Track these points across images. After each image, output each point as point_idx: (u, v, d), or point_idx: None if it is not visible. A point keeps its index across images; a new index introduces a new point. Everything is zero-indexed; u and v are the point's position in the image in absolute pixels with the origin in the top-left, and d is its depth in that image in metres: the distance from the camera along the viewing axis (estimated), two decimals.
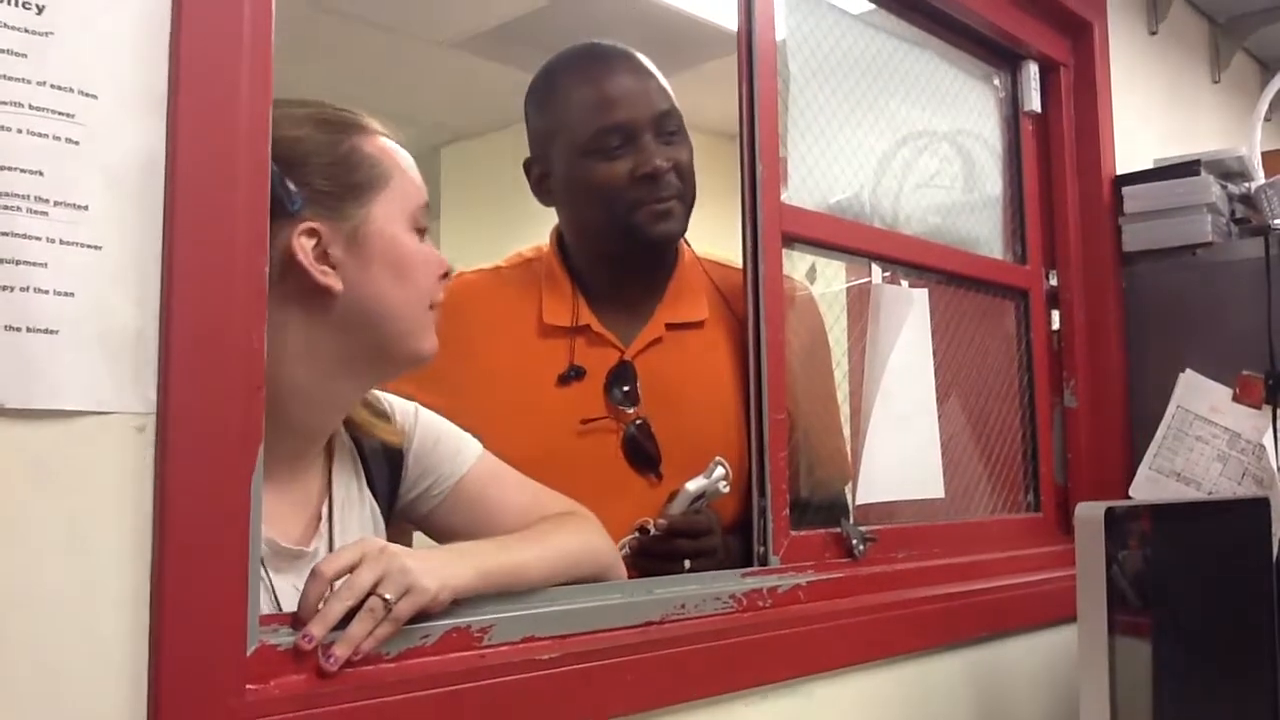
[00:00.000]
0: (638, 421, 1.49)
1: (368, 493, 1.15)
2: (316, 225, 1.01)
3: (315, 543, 1.07)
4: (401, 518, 1.21)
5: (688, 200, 1.52)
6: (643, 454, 1.48)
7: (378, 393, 1.20)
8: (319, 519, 1.09)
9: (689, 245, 1.59)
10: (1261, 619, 1.58)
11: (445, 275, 1.11)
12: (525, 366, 1.52)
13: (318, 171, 1.02)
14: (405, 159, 1.10)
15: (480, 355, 1.52)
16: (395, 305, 1.06)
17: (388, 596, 0.92)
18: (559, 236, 1.60)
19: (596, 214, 1.51)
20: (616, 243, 1.52)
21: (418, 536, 1.28)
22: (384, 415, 1.17)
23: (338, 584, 0.92)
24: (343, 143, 1.05)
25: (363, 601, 0.91)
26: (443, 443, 1.21)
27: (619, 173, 1.47)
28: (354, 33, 3.90)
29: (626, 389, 1.50)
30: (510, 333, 1.54)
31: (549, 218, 1.62)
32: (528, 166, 1.58)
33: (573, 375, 1.50)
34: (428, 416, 1.22)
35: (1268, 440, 1.88)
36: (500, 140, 4.83)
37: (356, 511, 1.13)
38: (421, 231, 1.09)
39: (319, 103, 1.09)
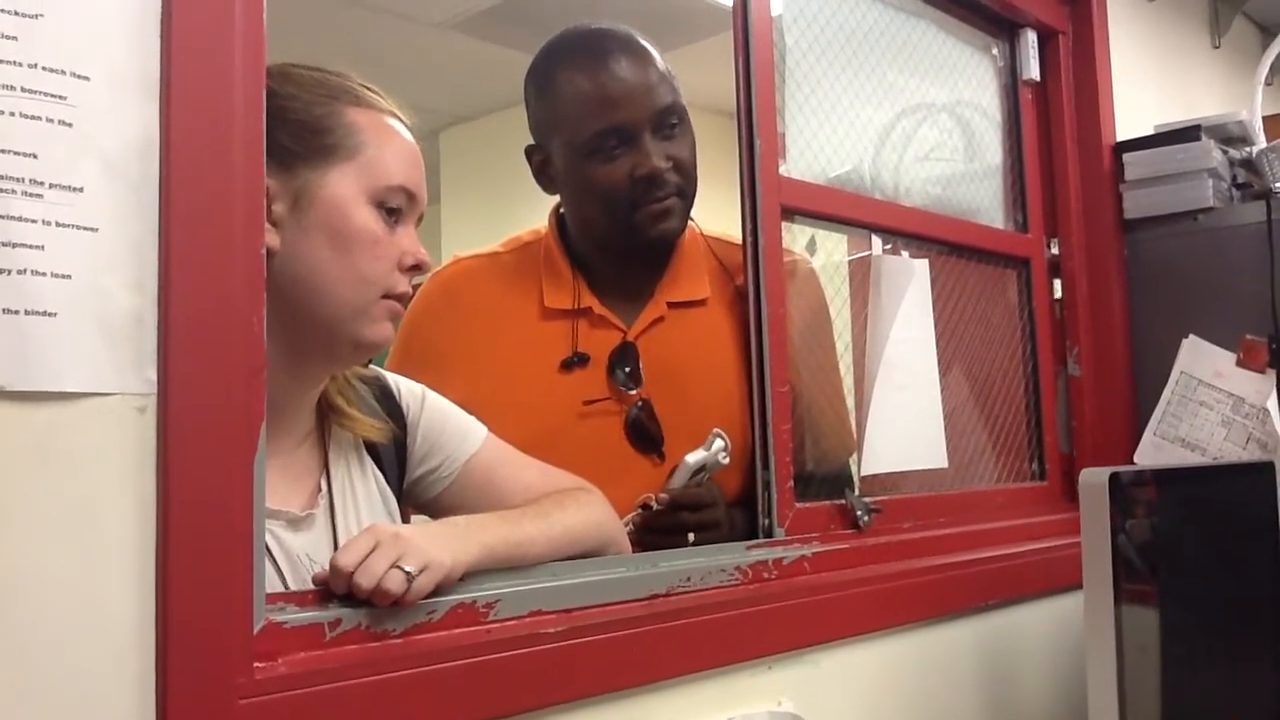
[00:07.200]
0: (640, 402, 1.49)
1: (374, 470, 1.15)
2: (267, 180, 0.96)
3: (317, 509, 1.08)
4: (408, 502, 1.22)
5: (688, 195, 1.52)
6: (645, 435, 1.49)
7: (384, 374, 1.21)
8: (318, 491, 1.09)
9: (693, 222, 1.59)
10: (1266, 583, 1.58)
11: (415, 268, 1.07)
12: (527, 350, 1.52)
13: (287, 128, 1.01)
14: (395, 139, 1.08)
15: (481, 340, 1.52)
16: (331, 279, 1.02)
17: (408, 569, 0.92)
18: (559, 218, 1.60)
19: (597, 212, 1.51)
20: (617, 238, 1.52)
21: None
22: (372, 411, 1.15)
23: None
24: (323, 106, 1.05)
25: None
26: (450, 424, 1.22)
27: (618, 174, 1.46)
28: (349, 15, 3.90)
29: (629, 370, 1.50)
30: (511, 317, 1.54)
31: (549, 200, 1.61)
32: (529, 153, 1.57)
33: (576, 361, 1.50)
34: (435, 398, 1.23)
35: (1272, 404, 1.88)
36: (498, 122, 4.83)
37: (361, 487, 1.13)
38: (392, 213, 1.05)
39: (325, 70, 1.08)
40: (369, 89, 1.09)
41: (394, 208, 1.06)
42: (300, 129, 1.02)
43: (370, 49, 4.05)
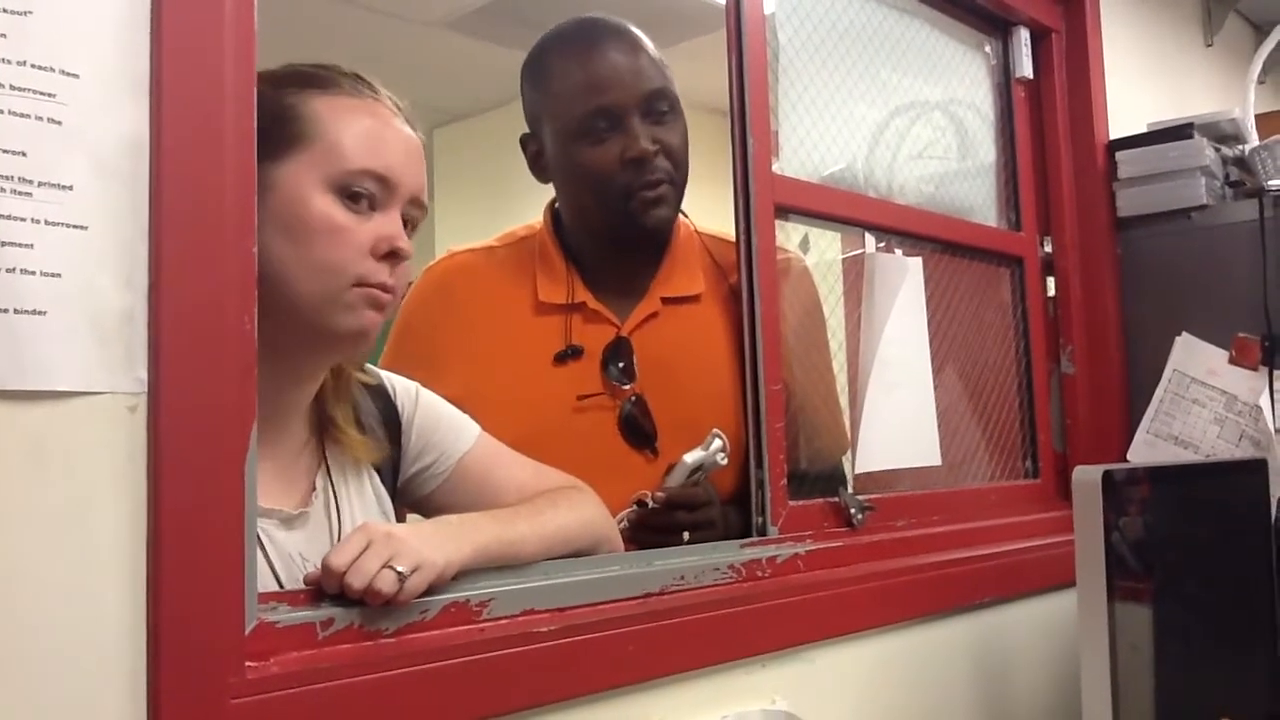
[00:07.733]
0: (633, 398, 1.49)
1: (368, 469, 1.15)
2: None
3: (311, 507, 1.07)
4: (402, 500, 1.21)
5: (679, 182, 1.51)
6: (639, 430, 1.48)
7: (381, 375, 1.20)
8: (312, 490, 1.09)
9: (686, 218, 1.58)
10: (1259, 580, 1.59)
11: (392, 255, 1.02)
12: (521, 345, 1.51)
13: (259, 126, 0.99)
14: (360, 122, 1.03)
15: (475, 335, 1.52)
16: (290, 270, 0.99)
17: (400, 569, 0.92)
18: (554, 212, 1.60)
19: (589, 197, 1.51)
20: (610, 226, 1.52)
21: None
22: (369, 429, 1.14)
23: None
24: (282, 99, 1.01)
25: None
26: (444, 422, 1.21)
27: (608, 157, 1.46)
28: (342, 13, 3.88)
29: (622, 365, 1.50)
30: (505, 311, 1.54)
31: (543, 197, 1.61)
32: (524, 142, 1.57)
33: (570, 354, 1.50)
34: (428, 396, 1.22)
35: (1264, 402, 1.88)
36: (493, 120, 4.82)
37: (356, 485, 1.13)
38: (359, 198, 1.01)
39: (305, 64, 1.06)
40: (345, 75, 1.06)
41: (361, 192, 1.01)
42: (265, 123, 0.99)
43: (364, 47, 4.03)
